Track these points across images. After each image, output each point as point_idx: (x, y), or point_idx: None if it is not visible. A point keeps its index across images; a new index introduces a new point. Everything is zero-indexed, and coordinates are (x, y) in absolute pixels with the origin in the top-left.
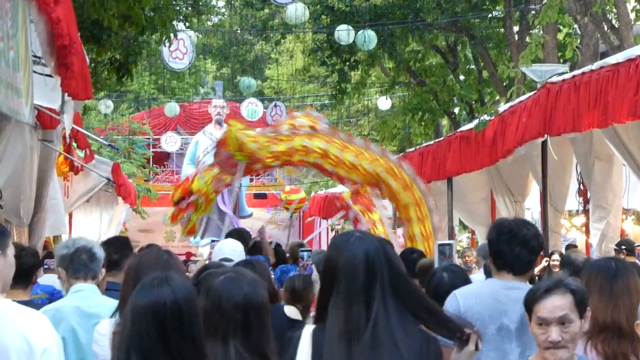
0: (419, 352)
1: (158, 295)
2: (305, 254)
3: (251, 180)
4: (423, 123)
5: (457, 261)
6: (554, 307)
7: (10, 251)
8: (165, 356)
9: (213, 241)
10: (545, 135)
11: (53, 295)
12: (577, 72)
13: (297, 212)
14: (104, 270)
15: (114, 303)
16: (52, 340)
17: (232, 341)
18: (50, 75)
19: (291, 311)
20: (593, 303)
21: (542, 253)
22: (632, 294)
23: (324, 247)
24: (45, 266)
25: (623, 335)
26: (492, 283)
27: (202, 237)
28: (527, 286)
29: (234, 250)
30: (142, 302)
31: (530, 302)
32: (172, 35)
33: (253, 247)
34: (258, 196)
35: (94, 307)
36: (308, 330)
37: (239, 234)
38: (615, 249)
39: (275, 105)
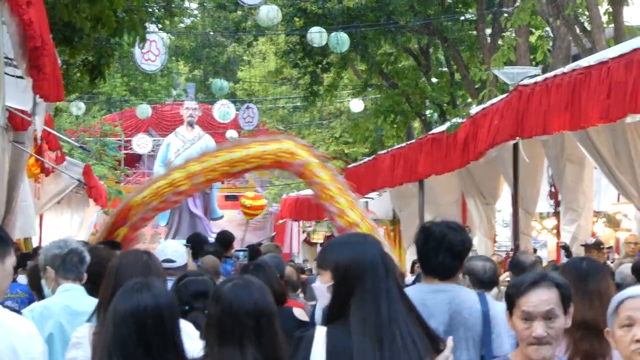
0: (427, 350)
1: (139, 300)
2: (240, 253)
3: (222, 182)
4: (395, 125)
5: None
6: (539, 301)
7: (10, 260)
8: (146, 359)
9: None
10: (517, 138)
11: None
12: (549, 74)
13: (253, 218)
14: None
15: None
16: (39, 350)
17: (249, 347)
18: (22, 77)
19: (300, 313)
20: None
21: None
22: (603, 296)
23: (295, 248)
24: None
25: (598, 335)
26: (419, 288)
27: (172, 239)
28: (453, 287)
29: (175, 251)
30: (123, 307)
31: (513, 296)
32: (144, 37)
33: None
34: (229, 198)
35: (82, 306)
36: (321, 330)
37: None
38: (584, 246)
39: (248, 107)
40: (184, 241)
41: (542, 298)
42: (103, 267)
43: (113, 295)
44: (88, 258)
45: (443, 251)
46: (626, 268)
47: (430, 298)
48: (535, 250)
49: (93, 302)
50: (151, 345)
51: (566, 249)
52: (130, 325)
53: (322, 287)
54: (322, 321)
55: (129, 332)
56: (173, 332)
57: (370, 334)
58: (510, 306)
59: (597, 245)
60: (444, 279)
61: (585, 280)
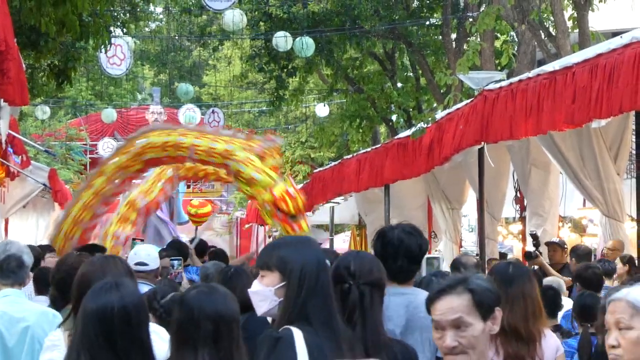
0: (405, 352)
1: (106, 300)
2: (175, 262)
3: (188, 187)
4: (361, 130)
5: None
6: (446, 309)
7: None
8: (112, 357)
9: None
10: (482, 143)
11: None
12: (514, 79)
13: (200, 224)
14: (31, 275)
15: (40, 309)
16: None
17: (201, 350)
18: None
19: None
20: None
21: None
22: (526, 299)
23: None
24: None
25: (520, 338)
26: None
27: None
28: (411, 291)
29: (148, 255)
30: (91, 307)
31: (427, 305)
32: (108, 41)
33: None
34: None
35: (20, 312)
36: (298, 332)
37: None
38: (547, 243)
39: (213, 112)
40: (155, 245)
41: (449, 306)
42: (71, 275)
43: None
44: (29, 262)
45: (401, 256)
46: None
47: (388, 301)
48: (503, 255)
49: (31, 307)
50: (117, 344)
51: (534, 237)
52: (96, 324)
53: (267, 289)
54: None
55: (96, 332)
56: (140, 333)
57: (336, 337)
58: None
59: (561, 245)
60: (402, 282)
61: (509, 284)
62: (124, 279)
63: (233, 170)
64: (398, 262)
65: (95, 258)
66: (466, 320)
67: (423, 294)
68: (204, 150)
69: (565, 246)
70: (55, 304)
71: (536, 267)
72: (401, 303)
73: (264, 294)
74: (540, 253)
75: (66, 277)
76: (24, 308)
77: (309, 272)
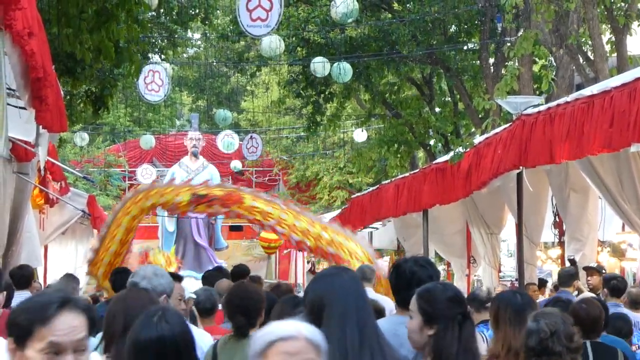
0: None
1: (159, 330)
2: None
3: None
4: (399, 155)
5: None
6: None
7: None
8: None
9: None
10: (521, 167)
11: None
12: (552, 104)
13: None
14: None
15: None
16: None
17: None
18: (24, 108)
19: None
20: (505, 331)
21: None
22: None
23: (300, 279)
24: None
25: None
26: (392, 319)
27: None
28: None
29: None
30: (143, 337)
31: None
32: (140, 68)
33: None
34: (234, 228)
35: None
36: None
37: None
38: (585, 268)
39: (251, 138)
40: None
41: None
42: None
43: (125, 327)
44: None
45: (413, 286)
46: None
47: (402, 329)
48: (543, 282)
49: None
50: None
51: (572, 262)
52: (148, 354)
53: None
54: None
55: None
56: (189, 356)
57: (336, 359)
58: None
59: (599, 270)
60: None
61: (522, 311)
62: (168, 309)
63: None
64: (410, 291)
65: (130, 290)
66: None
67: None
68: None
69: (604, 271)
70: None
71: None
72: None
73: None
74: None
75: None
76: None
77: (318, 302)
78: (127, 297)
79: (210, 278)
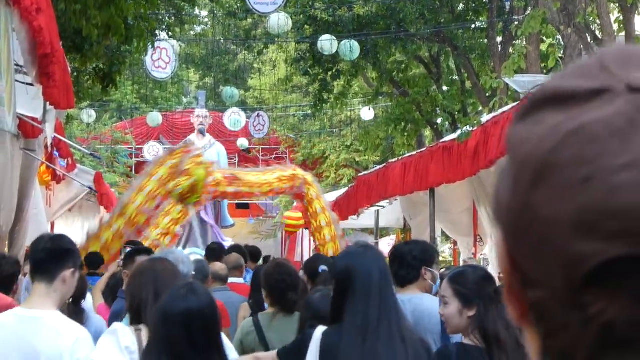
0: (418, 349)
1: (188, 303)
2: None
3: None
4: (406, 134)
5: None
6: None
7: (78, 273)
8: (195, 356)
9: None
10: None
11: None
12: None
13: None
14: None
15: None
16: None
17: None
18: (31, 84)
19: None
20: None
21: None
22: None
23: (307, 257)
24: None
25: None
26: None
27: (184, 247)
28: (415, 296)
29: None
30: (174, 310)
31: None
32: (150, 44)
33: None
34: (240, 206)
35: None
36: (319, 330)
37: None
38: None
39: (258, 115)
40: (197, 249)
41: None
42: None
43: (154, 298)
44: (185, 270)
45: (397, 264)
46: None
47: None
48: None
49: None
50: (198, 344)
51: None
52: (180, 326)
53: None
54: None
55: (179, 332)
56: (216, 333)
57: (356, 332)
58: None
59: None
60: (401, 286)
61: None
62: (196, 282)
63: None
64: (394, 268)
65: (154, 260)
66: None
67: (428, 299)
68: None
69: None
70: None
71: None
72: (408, 308)
73: None
74: None
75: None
76: None
77: (343, 278)
78: (154, 268)
79: (210, 252)
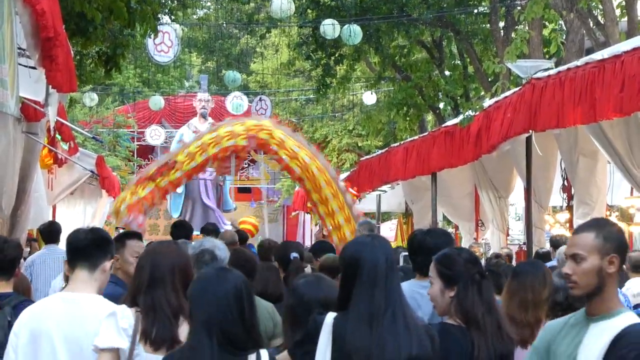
0: (421, 336)
1: (233, 281)
2: None
3: (235, 174)
4: (408, 118)
5: None
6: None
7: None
8: (242, 328)
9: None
10: (530, 131)
11: None
12: (562, 68)
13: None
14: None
15: None
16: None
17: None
18: (34, 67)
19: None
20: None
21: None
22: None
23: (308, 242)
24: None
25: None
26: (410, 284)
27: None
28: None
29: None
30: (221, 290)
31: None
32: (155, 28)
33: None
34: (242, 190)
35: None
36: (330, 317)
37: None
38: None
39: (260, 99)
40: (197, 233)
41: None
42: None
43: (150, 280)
44: (222, 256)
45: (423, 254)
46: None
47: (418, 292)
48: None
49: None
50: (244, 315)
51: None
52: (229, 303)
53: None
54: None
55: (231, 308)
56: (250, 302)
57: (363, 318)
58: None
59: None
60: (427, 275)
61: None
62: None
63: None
64: (419, 257)
65: (161, 244)
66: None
67: None
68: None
69: None
70: None
71: None
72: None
73: None
74: None
75: None
76: None
77: (351, 266)
78: (155, 250)
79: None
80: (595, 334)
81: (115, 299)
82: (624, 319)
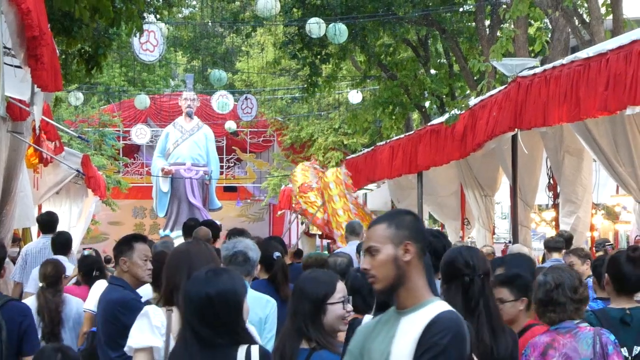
0: None
1: (217, 285)
2: None
3: (221, 173)
4: (394, 117)
5: None
6: None
7: None
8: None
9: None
10: (516, 129)
11: None
12: (547, 66)
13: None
14: (258, 267)
15: (255, 294)
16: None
17: None
18: (19, 67)
19: None
20: None
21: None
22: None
23: (294, 240)
24: None
25: None
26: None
27: (171, 230)
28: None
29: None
30: (191, 294)
31: None
32: (141, 27)
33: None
34: (228, 189)
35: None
36: (368, 319)
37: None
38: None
39: (246, 98)
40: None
41: None
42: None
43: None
44: (255, 257)
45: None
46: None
47: None
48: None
49: (251, 294)
50: (216, 326)
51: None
52: (199, 309)
53: None
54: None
55: (196, 314)
56: (235, 317)
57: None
58: None
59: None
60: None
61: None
62: (221, 268)
63: None
64: None
65: (191, 244)
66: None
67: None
68: None
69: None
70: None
71: None
72: None
73: None
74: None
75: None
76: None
77: None
78: (189, 251)
79: (187, 229)
80: (407, 326)
81: (124, 303)
82: (434, 308)
